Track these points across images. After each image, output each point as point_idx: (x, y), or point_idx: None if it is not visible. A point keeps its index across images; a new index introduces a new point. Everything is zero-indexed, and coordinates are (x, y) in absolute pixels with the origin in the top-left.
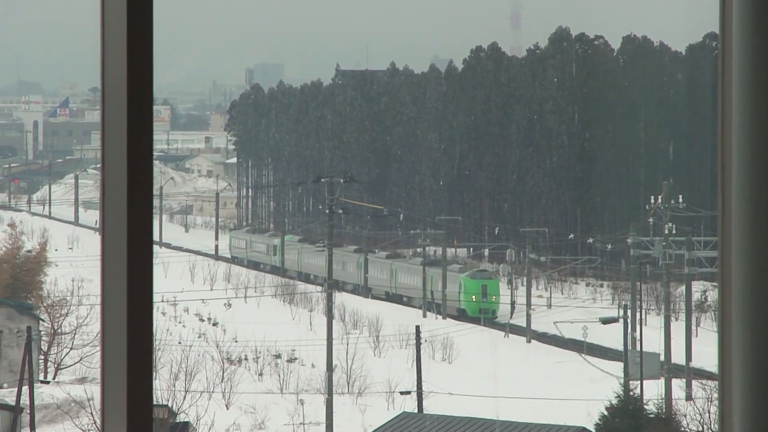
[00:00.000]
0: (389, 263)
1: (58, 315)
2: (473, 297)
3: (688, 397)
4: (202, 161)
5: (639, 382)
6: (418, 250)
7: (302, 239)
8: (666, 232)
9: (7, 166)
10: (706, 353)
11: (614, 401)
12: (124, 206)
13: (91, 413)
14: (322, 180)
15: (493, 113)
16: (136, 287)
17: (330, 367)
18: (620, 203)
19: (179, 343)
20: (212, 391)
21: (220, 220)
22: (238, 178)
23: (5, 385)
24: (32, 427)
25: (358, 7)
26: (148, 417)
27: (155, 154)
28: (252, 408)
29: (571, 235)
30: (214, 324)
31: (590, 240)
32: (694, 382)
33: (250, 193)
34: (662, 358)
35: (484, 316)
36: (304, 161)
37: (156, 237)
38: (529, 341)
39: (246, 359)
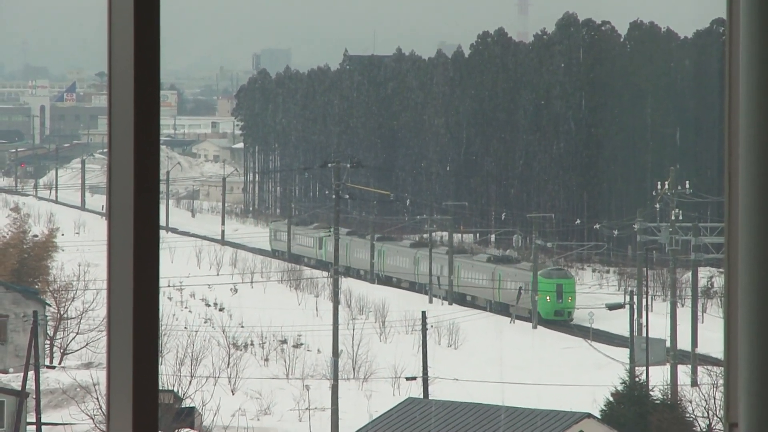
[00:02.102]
0: (448, 258)
1: (64, 300)
2: (547, 297)
3: (694, 384)
4: (209, 146)
5: (645, 368)
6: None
7: (351, 231)
8: (673, 218)
9: (13, 150)
10: (712, 339)
11: (620, 387)
12: (130, 191)
13: (97, 398)
14: (329, 165)
15: (500, 99)
16: (142, 272)
17: (336, 353)
18: (627, 189)
19: (185, 328)
20: (218, 377)
21: (226, 205)
22: (245, 163)
23: (11, 369)
24: (38, 411)
25: None
26: (153, 402)
27: (162, 139)
28: (258, 393)
29: (578, 221)
30: (220, 309)
31: (597, 226)
32: (700, 368)
33: (256, 178)
34: (668, 344)
35: (559, 318)
36: (310, 146)
37: (162, 222)
38: (535, 327)
39: (252, 344)
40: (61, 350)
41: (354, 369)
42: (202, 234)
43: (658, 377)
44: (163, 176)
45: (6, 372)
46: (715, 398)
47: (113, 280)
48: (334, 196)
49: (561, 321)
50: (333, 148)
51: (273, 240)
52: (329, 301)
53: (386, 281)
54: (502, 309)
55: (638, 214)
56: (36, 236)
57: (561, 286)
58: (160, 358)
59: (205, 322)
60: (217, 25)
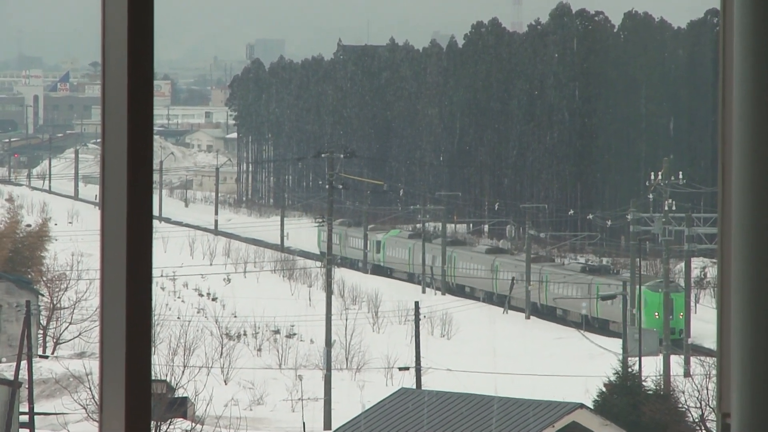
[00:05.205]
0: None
1: (57, 289)
2: (656, 314)
3: (687, 374)
4: (202, 136)
5: (637, 358)
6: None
7: (413, 234)
8: (666, 208)
9: (7, 140)
10: (705, 330)
11: (613, 378)
12: (124, 181)
13: (90, 388)
14: (323, 155)
15: (493, 89)
16: (135, 262)
17: (329, 343)
18: (620, 179)
19: (178, 318)
20: (211, 367)
21: (220, 195)
22: (239, 153)
23: (4, 359)
24: (31, 401)
25: None
26: (146, 392)
27: (155, 128)
28: (250, 383)
29: (571, 211)
30: (213, 299)
31: (590, 216)
32: (693, 359)
33: (250, 168)
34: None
35: (670, 337)
36: (304, 136)
37: (156, 212)
38: (528, 317)
39: (245, 334)
40: (54, 340)
41: (347, 359)
42: (196, 224)
43: (650, 367)
44: (156, 166)
45: None
46: (707, 389)
47: (106, 269)
48: (327, 186)
49: (672, 340)
50: (326, 138)
51: (321, 242)
52: (322, 290)
53: (458, 291)
54: (601, 325)
55: (632, 205)
56: (29, 226)
57: (672, 301)
58: (153, 348)
59: (198, 312)
60: (210, 15)
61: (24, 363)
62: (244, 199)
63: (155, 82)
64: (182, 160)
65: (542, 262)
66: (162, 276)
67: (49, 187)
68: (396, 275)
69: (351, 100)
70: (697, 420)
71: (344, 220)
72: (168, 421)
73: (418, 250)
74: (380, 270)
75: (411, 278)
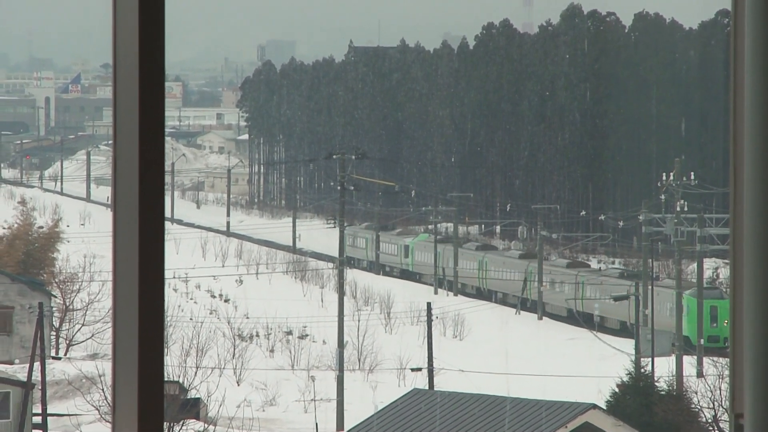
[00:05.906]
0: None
1: (69, 291)
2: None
3: (699, 375)
4: (214, 138)
5: (650, 359)
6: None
7: (443, 239)
8: (678, 209)
9: (19, 142)
10: None
11: (625, 378)
12: (135, 182)
13: (103, 389)
14: (334, 156)
15: (504, 90)
16: (147, 263)
17: (341, 344)
18: (632, 180)
19: (191, 319)
20: (223, 368)
21: (231, 196)
22: (250, 155)
23: (17, 360)
24: (44, 402)
25: None
26: (159, 393)
27: (167, 130)
28: (263, 384)
29: (583, 212)
30: (226, 300)
31: (602, 217)
32: (705, 360)
33: (261, 170)
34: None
35: (714, 345)
36: (315, 138)
37: (168, 213)
38: (540, 318)
39: (257, 336)
40: (67, 341)
41: (359, 360)
42: (208, 225)
43: (663, 368)
44: (168, 168)
45: (12, 363)
46: (720, 389)
47: (118, 271)
48: (339, 188)
49: (715, 348)
50: (338, 140)
51: (348, 246)
52: (334, 292)
53: (490, 296)
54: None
55: (643, 206)
56: (41, 228)
57: (716, 308)
58: (165, 349)
59: (211, 314)
60: (221, 17)
61: (37, 364)
62: (255, 200)
63: (166, 84)
64: (194, 162)
65: (579, 268)
66: (174, 277)
67: (61, 188)
68: (424, 280)
69: (362, 101)
70: (710, 420)
71: (370, 224)
72: (180, 422)
73: (449, 255)
74: (409, 275)
75: (440, 283)
